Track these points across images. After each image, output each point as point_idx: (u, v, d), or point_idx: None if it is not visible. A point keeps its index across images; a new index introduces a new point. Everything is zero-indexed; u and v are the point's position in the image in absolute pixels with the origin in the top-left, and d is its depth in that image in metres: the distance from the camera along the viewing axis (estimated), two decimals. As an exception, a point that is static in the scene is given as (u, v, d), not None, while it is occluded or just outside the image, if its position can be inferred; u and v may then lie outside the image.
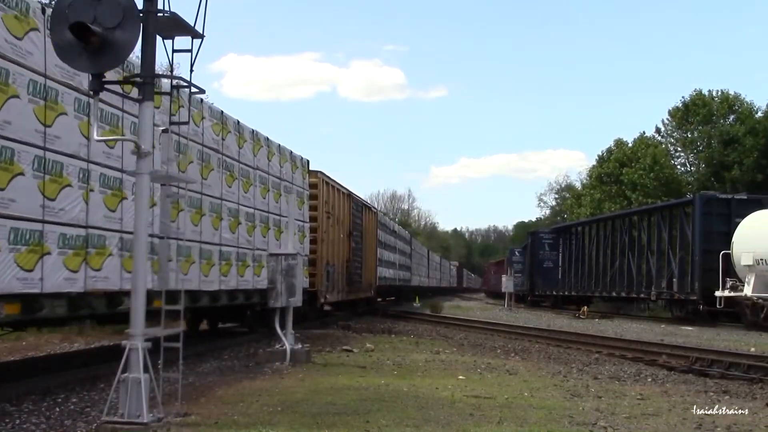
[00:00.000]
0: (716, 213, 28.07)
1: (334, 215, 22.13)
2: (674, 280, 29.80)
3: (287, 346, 12.22)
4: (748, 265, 24.04)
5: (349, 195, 24.72)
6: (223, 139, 13.29)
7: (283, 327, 12.46)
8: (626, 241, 34.92)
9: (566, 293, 41.61)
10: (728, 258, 25.38)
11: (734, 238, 25.35)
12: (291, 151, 17.25)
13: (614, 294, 35.74)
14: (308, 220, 18.59)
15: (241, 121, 14.26)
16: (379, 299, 37.95)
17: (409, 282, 46.32)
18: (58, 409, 7.68)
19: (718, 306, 25.54)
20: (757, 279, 23.87)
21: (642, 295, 33.12)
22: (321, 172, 20.61)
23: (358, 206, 26.48)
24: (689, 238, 28.92)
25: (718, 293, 25.29)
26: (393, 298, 43.77)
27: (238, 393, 8.92)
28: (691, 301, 28.27)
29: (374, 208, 33.89)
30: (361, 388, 9.50)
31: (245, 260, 14.30)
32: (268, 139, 15.72)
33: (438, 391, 9.44)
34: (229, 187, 13.57)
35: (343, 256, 23.36)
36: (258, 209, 15.02)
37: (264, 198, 15.44)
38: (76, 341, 15.77)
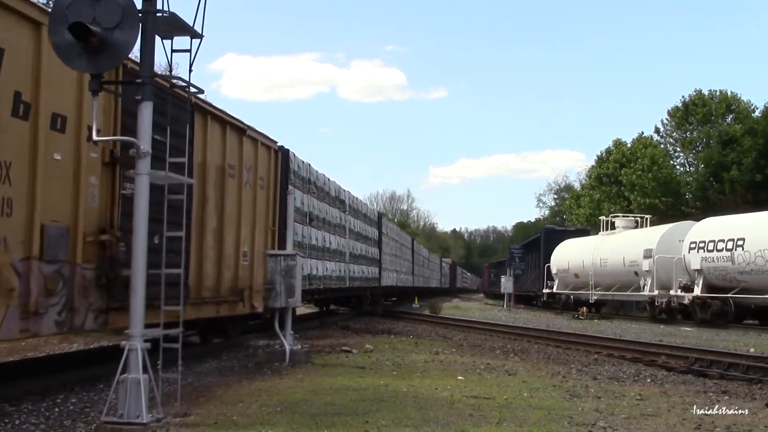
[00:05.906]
0: (555, 240, 42.41)
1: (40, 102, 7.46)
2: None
3: (286, 347, 12.23)
4: (555, 273, 40.99)
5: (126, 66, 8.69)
6: None
7: (282, 328, 12.48)
8: (536, 258, 46.83)
9: (525, 293, 52.85)
10: (550, 269, 41.57)
11: (552, 257, 41.25)
12: None
13: (531, 293, 49.44)
14: None
15: None
16: (325, 308, 28.05)
17: (377, 282, 31.53)
18: (57, 410, 7.67)
19: (545, 299, 42.26)
20: (560, 281, 40.88)
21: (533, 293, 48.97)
22: None
23: (164, 100, 8.37)
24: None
25: (544, 290, 42.26)
26: (354, 304, 30.47)
27: (237, 393, 8.92)
28: (539, 295, 43.94)
29: (272, 141, 14.45)
30: (360, 389, 9.50)
31: None
32: None
33: (437, 392, 9.45)
34: None
35: (87, 223, 8.30)
36: None
37: None
38: (75, 342, 15.74)
